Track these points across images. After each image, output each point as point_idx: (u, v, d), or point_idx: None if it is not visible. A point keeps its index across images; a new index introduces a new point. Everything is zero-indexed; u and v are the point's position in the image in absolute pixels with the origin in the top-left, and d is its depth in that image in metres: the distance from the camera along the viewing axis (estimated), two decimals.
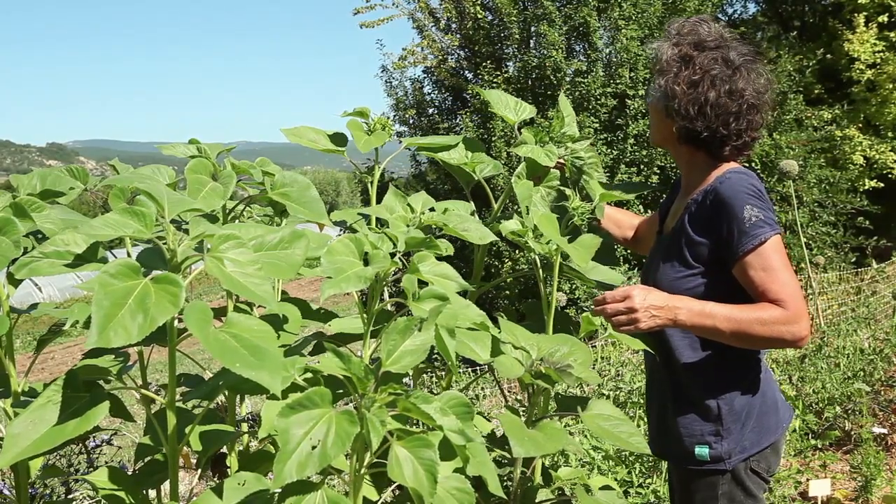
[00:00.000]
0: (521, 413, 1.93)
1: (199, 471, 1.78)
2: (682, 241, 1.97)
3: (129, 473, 1.80)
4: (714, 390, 1.97)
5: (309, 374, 1.55)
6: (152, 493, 1.87)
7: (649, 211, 11.81)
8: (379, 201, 2.11)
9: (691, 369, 1.99)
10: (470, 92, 12.58)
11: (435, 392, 1.58)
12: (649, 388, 2.20)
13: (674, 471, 2.15)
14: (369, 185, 2.19)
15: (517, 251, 9.64)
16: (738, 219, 1.85)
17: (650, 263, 2.12)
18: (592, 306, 1.93)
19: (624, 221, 2.42)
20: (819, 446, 4.62)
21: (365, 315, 1.70)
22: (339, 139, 2.19)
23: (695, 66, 1.94)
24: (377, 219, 2.12)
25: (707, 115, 1.92)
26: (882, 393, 5.21)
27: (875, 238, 12.91)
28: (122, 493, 1.66)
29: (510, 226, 2.04)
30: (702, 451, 1.97)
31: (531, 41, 12.74)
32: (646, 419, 2.37)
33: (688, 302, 1.87)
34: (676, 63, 1.98)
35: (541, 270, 2.08)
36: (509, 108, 2.24)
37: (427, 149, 2.27)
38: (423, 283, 1.67)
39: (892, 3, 14.28)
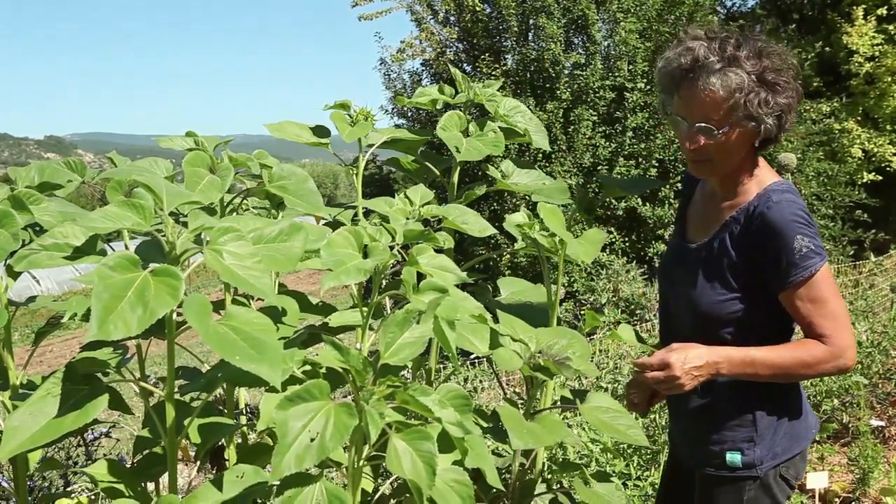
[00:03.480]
0: (520, 406, 1.93)
1: (198, 463, 1.79)
2: (723, 263, 1.88)
3: (128, 466, 1.81)
4: (749, 397, 1.93)
5: (307, 367, 1.55)
6: (151, 486, 1.87)
7: (647, 204, 11.83)
8: (375, 195, 2.11)
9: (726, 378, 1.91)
10: None
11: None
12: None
13: (690, 473, 2.08)
14: (354, 178, 2.18)
15: (515, 244, 9.60)
16: (788, 248, 1.78)
17: (680, 276, 1.99)
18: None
19: None
20: (817, 439, 4.63)
21: (364, 308, 1.70)
22: (321, 132, 2.19)
23: (767, 76, 1.80)
24: (366, 211, 2.11)
25: (783, 119, 1.83)
26: (880, 386, 5.22)
27: (873, 231, 12.94)
28: (120, 486, 1.66)
29: (516, 219, 2.03)
30: (734, 457, 1.93)
31: (529, 34, 12.72)
32: (663, 420, 2.33)
33: (727, 354, 1.82)
34: (753, 82, 1.79)
35: (545, 264, 2.07)
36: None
37: (399, 142, 2.27)
38: (421, 276, 1.67)
39: None
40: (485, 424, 1.90)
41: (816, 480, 3.68)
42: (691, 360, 1.79)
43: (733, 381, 1.89)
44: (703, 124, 1.79)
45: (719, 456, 1.94)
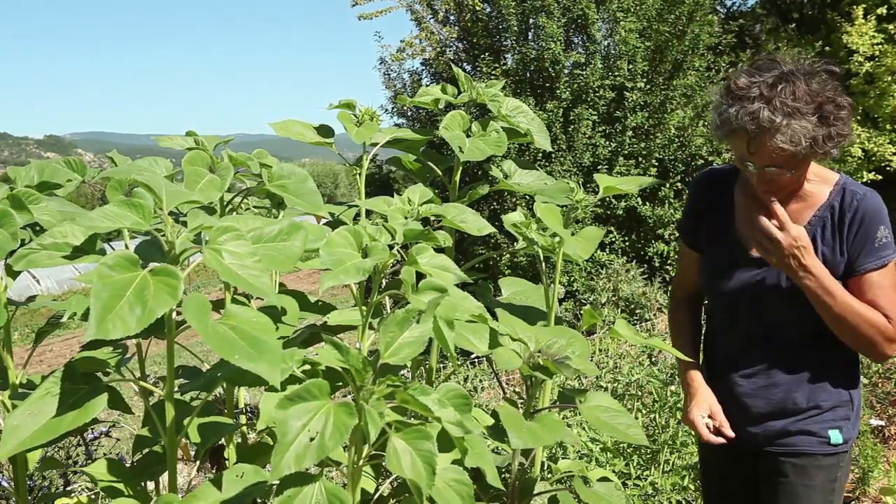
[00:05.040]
0: (520, 405, 1.93)
1: (198, 463, 1.78)
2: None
3: (128, 465, 1.81)
4: (847, 378, 2.08)
5: (307, 366, 1.55)
6: (150, 485, 1.87)
7: (647, 204, 11.82)
8: (375, 194, 2.11)
9: (828, 356, 2.04)
10: None
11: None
12: (757, 370, 2.11)
13: (766, 462, 2.11)
14: (357, 177, 2.18)
15: (515, 243, 9.58)
16: (871, 237, 1.94)
17: (762, 287, 2.04)
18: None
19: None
20: None
21: (363, 307, 1.70)
22: (325, 131, 2.19)
23: (826, 114, 1.85)
24: (367, 210, 2.12)
25: (844, 138, 1.91)
26: (879, 385, 5.22)
27: None
28: (120, 485, 1.66)
29: (513, 218, 2.03)
30: (836, 435, 2.05)
31: (529, 33, 12.72)
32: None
33: (823, 271, 1.92)
34: (815, 125, 1.84)
35: (543, 263, 2.07)
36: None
37: (401, 141, 2.27)
38: (420, 276, 1.67)
39: None
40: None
41: None
42: (803, 244, 1.89)
43: (834, 362, 2.04)
44: (773, 168, 1.88)
45: (821, 435, 2.06)
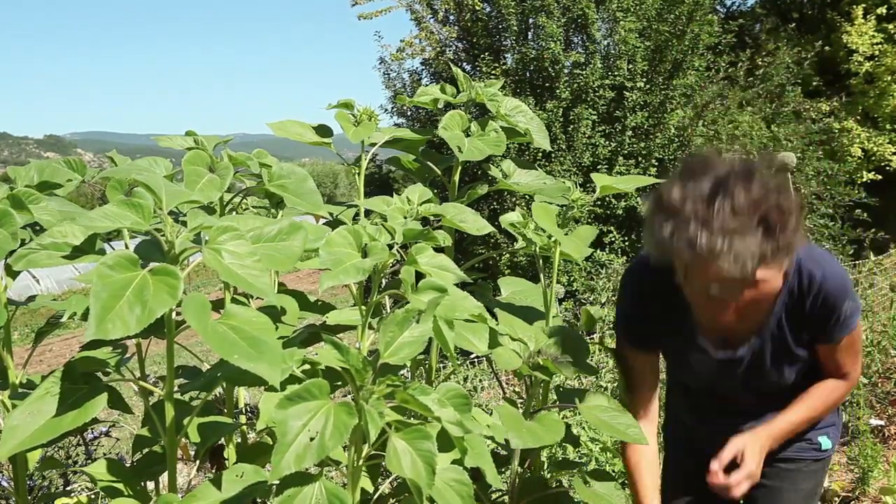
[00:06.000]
0: (520, 405, 1.93)
1: (198, 462, 1.78)
2: (787, 344, 1.88)
3: (128, 465, 1.81)
4: None
5: (307, 366, 1.55)
6: (150, 485, 1.87)
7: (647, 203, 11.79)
8: (374, 194, 2.11)
9: (815, 381, 1.99)
10: None
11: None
12: (746, 420, 2.04)
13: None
14: (356, 177, 2.18)
15: (514, 243, 9.60)
16: (838, 312, 1.85)
17: (734, 375, 1.95)
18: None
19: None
20: None
21: (363, 307, 1.70)
22: (324, 131, 2.19)
23: (772, 223, 1.63)
24: (367, 210, 2.12)
25: (795, 227, 1.69)
26: (879, 385, 5.21)
27: (873, 230, 12.91)
28: (120, 485, 1.66)
29: (510, 217, 2.03)
30: (826, 441, 2.07)
31: (529, 33, 12.71)
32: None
33: (772, 434, 1.92)
34: (761, 240, 1.63)
35: (541, 262, 2.07)
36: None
37: (401, 141, 2.27)
38: (420, 275, 1.67)
39: None
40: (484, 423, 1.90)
41: None
42: (756, 459, 1.87)
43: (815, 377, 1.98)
44: (717, 293, 1.71)
45: (813, 441, 2.06)
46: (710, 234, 1.57)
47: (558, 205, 2.07)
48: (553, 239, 1.99)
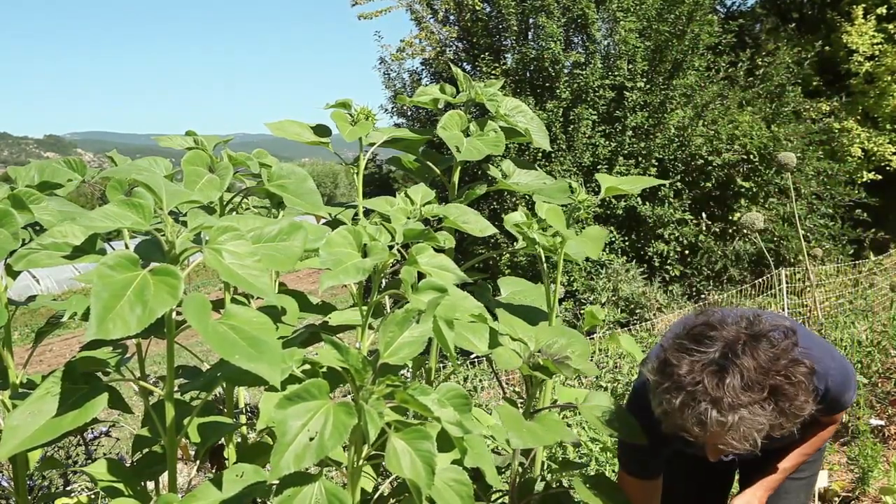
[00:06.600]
0: (520, 405, 1.93)
1: (198, 462, 1.78)
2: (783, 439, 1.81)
3: (128, 465, 1.81)
4: None
5: (307, 366, 1.55)
6: (150, 485, 1.87)
7: (647, 203, 11.81)
8: (374, 194, 2.11)
9: None
10: None
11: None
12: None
13: (755, 460, 2.06)
14: (355, 177, 2.18)
15: (515, 243, 9.58)
16: (839, 403, 1.96)
17: (747, 462, 2.15)
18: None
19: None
20: None
21: (363, 307, 1.70)
22: (322, 131, 2.19)
23: (782, 393, 1.62)
24: (366, 210, 2.11)
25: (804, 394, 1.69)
26: (879, 385, 5.21)
27: (873, 230, 12.93)
28: (120, 485, 1.66)
29: (514, 218, 2.03)
30: None
31: (529, 33, 12.72)
32: None
33: (767, 485, 2.09)
34: (771, 410, 1.61)
35: (544, 263, 2.07)
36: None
37: (400, 141, 2.27)
38: (420, 275, 1.67)
39: None
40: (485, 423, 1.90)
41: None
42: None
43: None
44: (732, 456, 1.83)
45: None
46: (720, 411, 1.56)
47: (561, 205, 2.07)
48: (559, 239, 1.98)
